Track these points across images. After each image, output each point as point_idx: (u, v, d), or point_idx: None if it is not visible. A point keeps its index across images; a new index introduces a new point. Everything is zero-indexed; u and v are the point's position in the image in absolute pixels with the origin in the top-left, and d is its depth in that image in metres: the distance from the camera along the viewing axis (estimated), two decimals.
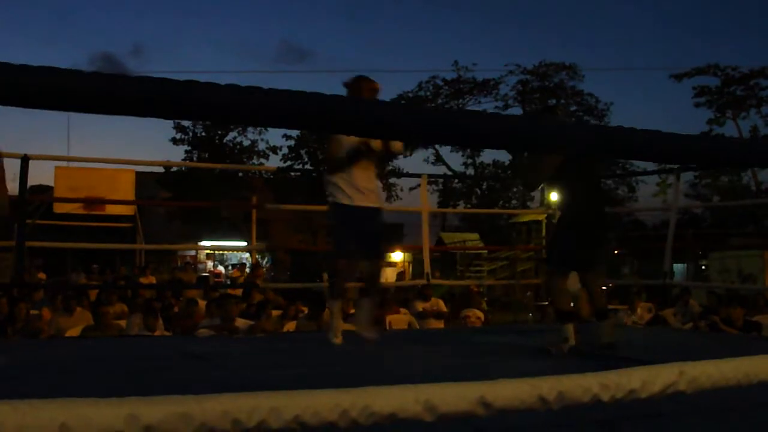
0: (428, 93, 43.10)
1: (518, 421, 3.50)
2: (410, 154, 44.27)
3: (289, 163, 40.42)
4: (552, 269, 6.63)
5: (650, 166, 16.18)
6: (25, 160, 8.36)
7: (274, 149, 40.81)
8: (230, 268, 33.98)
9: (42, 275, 20.21)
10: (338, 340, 6.45)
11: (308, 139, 39.28)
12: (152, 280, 17.02)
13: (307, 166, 40.42)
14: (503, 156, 44.38)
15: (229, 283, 21.46)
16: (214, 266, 37.10)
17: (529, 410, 1.43)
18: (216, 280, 27.15)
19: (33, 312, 11.00)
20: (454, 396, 1.36)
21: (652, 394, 1.55)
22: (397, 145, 6.77)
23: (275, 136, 44.16)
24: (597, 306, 6.52)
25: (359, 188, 6.61)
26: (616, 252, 35.25)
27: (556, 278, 6.47)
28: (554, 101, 41.28)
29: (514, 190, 43.52)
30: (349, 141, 6.45)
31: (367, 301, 6.68)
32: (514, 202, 43.60)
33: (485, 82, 42.92)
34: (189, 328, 9.62)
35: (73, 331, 9.26)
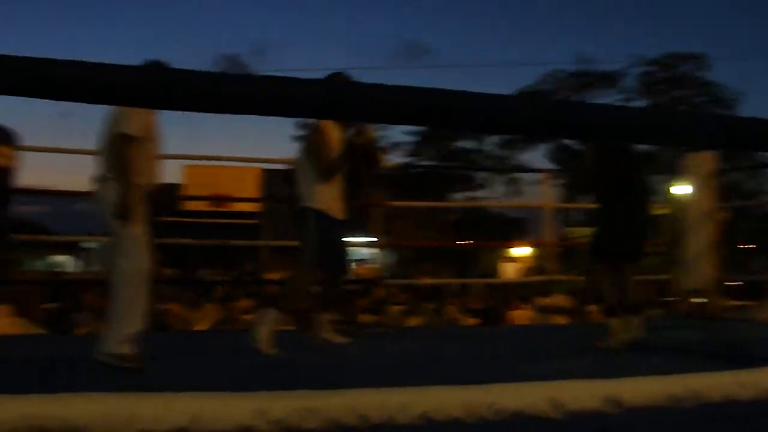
0: (549, 86, 42.56)
1: (643, 419, 3.43)
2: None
3: (412, 159, 40.52)
4: (596, 261, 6.54)
5: None
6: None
7: (397, 145, 40.98)
8: (353, 263, 34.26)
9: (172, 271, 20.75)
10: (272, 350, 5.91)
11: (431, 135, 39.27)
12: (278, 276, 17.27)
13: (429, 162, 40.41)
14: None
15: (353, 278, 21.63)
16: None
17: (659, 408, 1.40)
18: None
19: (163, 307, 11.30)
20: (582, 393, 1.34)
21: None
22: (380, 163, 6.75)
23: (399, 132, 44.36)
24: (630, 299, 6.40)
25: (336, 197, 6.46)
26: (745, 247, 34.18)
27: (604, 271, 6.42)
28: (679, 92, 40.32)
29: None
30: (334, 139, 6.44)
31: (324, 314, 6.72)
32: None
33: (608, 75, 42.14)
34: (313, 322, 9.73)
35: (201, 326, 9.47)
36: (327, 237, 6.28)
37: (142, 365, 4.90)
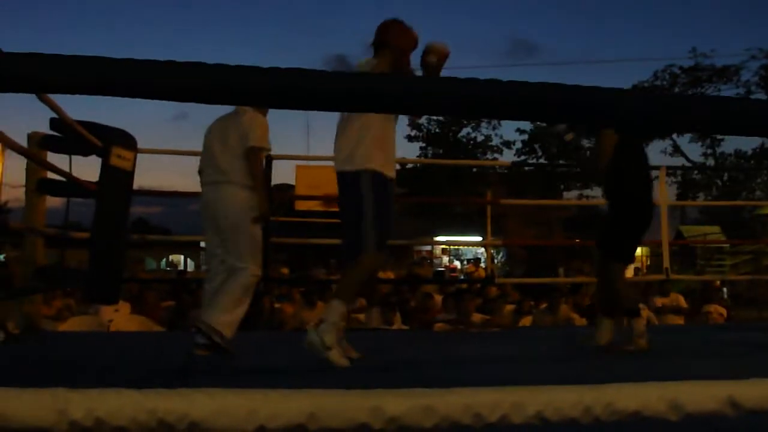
0: (664, 82, 41.81)
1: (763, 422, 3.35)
2: None
3: (523, 157, 40.31)
4: (614, 260, 6.10)
5: None
6: (268, 160, 8.72)
7: (508, 144, 40.82)
8: (465, 263, 34.17)
9: (285, 270, 21.03)
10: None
11: (542, 132, 39.01)
12: (390, 275, 17.35)
13: (541, 160, 40.16)
14: (745, 145, 42.53)
15: (464, 277, 21.62)
16: (450, 261, 37.40)
17: None
18: (451, 274, 27.42)
19: (277, 305, 11.47)
20: (701, 395, 1.31)
21: None
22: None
23: (509, 130, 44.15)
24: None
25: (391, 153, 5.47)
26: None
27: (620, 270, 6.14)
28: None
29: (758, 180, 41.60)
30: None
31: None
32: (758, 193, 41.64)
33: (725, 69, 41.15)
34: (426, 322, 9.76)
35: (316, 324, 9.57)
36: (385, 207, 5.25)
37: (233, 351, 5.29)
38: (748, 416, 1.36)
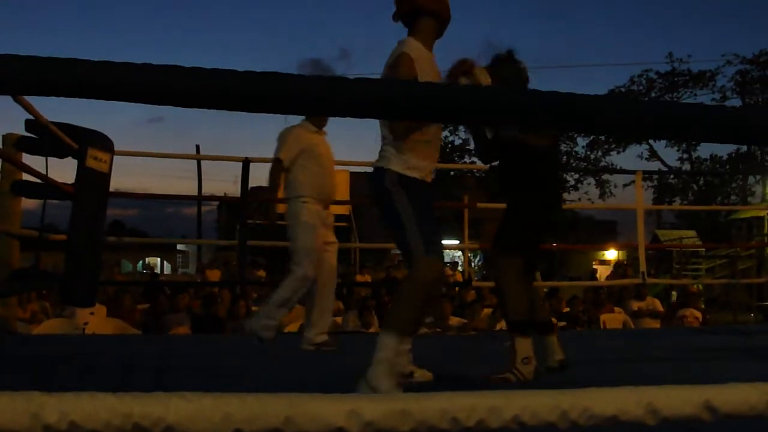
0: (641, 87, 42.02)
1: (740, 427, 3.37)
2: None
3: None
4: (504, 253, 5.12)
5: None
6: (246, 163, 8.70)
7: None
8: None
9: (262, 273, 20.98)
10: None
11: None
12: (368, 278, 17.34)
13: None
14: (721, 150, 42.79)
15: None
16: None
17: (758, 417, 1.37)
18: None
19: (254, 308, 11.44)
20: (678, 399, 1.32)
21: None
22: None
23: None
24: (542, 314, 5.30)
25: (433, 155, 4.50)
26: None
27: (510, 268, 5.09)
28: None
29: (733, 185, 41.87)
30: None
31: None
32: (733, 197, 41.92)
33: (701, 74, 41.41)
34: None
35: (291, 327, 9.55)
36: (426, 210, 4.24)
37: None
38: (725, 420, 1.37)
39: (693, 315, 12.14)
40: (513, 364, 4.84)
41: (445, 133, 40.59)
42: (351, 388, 3.74)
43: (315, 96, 1.33)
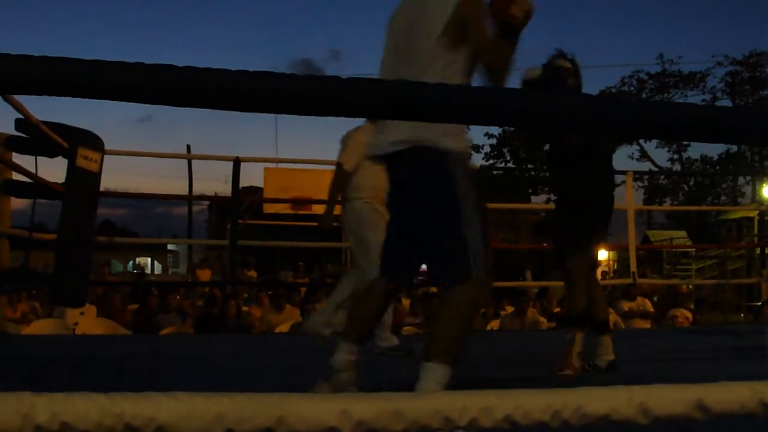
0: (632, 88, 42.03)
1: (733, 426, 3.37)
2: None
3: (491, 161, 40.40)
4: (571, 252, 5.26)
5: None
6: (236, 162, 8.69)
7: (476, 148, 40.91)
8: None
9: (253, 273, 20.99)
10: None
11: (510, 137, 39.17)
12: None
13: (510, 164, 40.30)
14: (711, 150, 42.88)
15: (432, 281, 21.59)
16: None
17: (749, 415, 1.37)
18: (419, 278, 27.43)
19: (245, 308, 11.44)
20: (670, 399, 1.32)
21: None
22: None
23: (477, 134, 44.27)
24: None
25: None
26: None
27: (578, 265, 5.24)
28: (765, 93, 39.50)
29: (723, 185, 41.97)
30: None
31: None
32: (723, 198, 42.01)
33: (691, 75, 41.43)
34: (394, 326, 9.76)
35: (283, 328, 9.55)
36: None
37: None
38: (717, 420, 1.37)
39: (683, 315, 12.16)
40: (569, 358, 5.00)
41: None
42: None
43: (307, 95, 1.33)
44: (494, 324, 10.51)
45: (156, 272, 50.95)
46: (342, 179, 6.33)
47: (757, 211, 10.89)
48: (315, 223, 6.68)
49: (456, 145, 3.33)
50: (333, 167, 6.58)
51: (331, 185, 6.54)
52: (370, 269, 6.04)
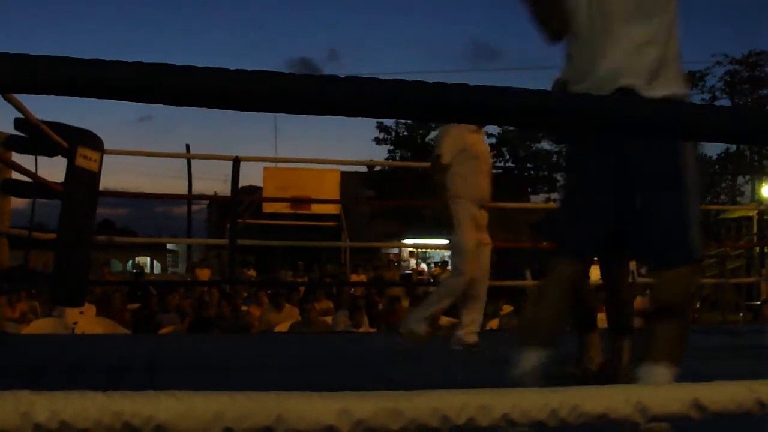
0: None
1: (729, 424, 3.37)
2: None
3: (491, 161, 40.39)
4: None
5: None
6: (236, 161, 8.68)
7: None
8: (433, 265, 34.19)
9: (252, 272, 20.99)
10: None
11: (508, 136, 39.17)
12: (362, 277, 17.34)
13: (509, 164, 40.31)
14: (710, 150, 42.88)
15: (431, 280, 21.63)
16: (417, 264, 37.41)
17: (745, 415, 1.38)
18: (419, 277, 27.43)
19: (244, 308, 11.44)
20: (667, 398, 1.32)
21: None
22: None
23: None
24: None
25: None
26: None
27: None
28: (765, 91, 39.53)
29: (723, 185, 41.98)
30: None
31: None
32: (722, 197, 42.03)
33: (691, 75, 41.37)
34: (393, 325, 9.75)
35: (282, 327, 9.55)
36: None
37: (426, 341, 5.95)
38: (714, 418, 1.37)
39: None
40: (620, 363, 4.82)
41: (436, 132, 40.63)
42: (340, 387, 3.74)
43: (306, 94, 1.33)
44: (494, 323, 10.50)
45: (155, 272, 50.94)
46: (440, 171, 6.27)
47: (756, 211, 10.87)
48: (314, 222, 6.62)
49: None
50: (332, 167, 6.56)
51: (435, 180, 6.39)
52: (458, 269, 6.22)
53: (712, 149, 42.36)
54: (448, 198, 6.27)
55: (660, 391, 1.33)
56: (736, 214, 30.32)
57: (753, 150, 40.18)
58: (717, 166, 41.85)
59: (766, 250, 10.82)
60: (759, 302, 13.63)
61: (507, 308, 11.43)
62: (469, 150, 6.31)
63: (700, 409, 1.33)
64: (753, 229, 26.83)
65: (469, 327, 6.33)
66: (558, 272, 3.08)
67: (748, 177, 38.19)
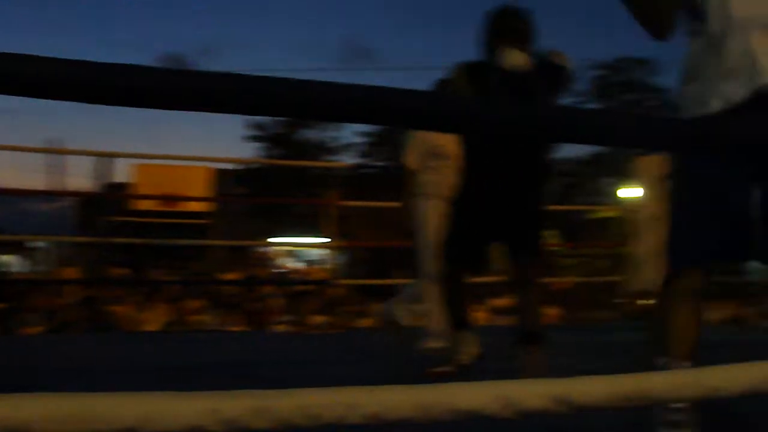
0: None
1: (596, 420, 3.47)
2: None
3: (365, 159, 40.54)
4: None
5: None
6: (104, 158, 8.52)
7: (350, 146, 41.05)
8: (306, 264, 34.15)
9: (122, 270, 20.61)
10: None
11: (384, 135, 39.42)
12: (235, 276, 17.22)
13: (383, 163, 40.51)
14: (580, 151, 43.95)
15: (304, 279, 21.61)
16: (291, 263, 37.33)
17: (608, 409, 1.41)
18: (291, 276, 27.38)
19: (114, 307, 11.23)
20: (533, 393, 1.35)
21: (736, 392, 1.52)
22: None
23: (351, 132, 44.36)
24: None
25: None
26: None
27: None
28: (632, 97, 40.86)
29: (592, 185, 43.11)
30: None
31: None
32: (592, 198, 43.13)
33: None
34: (265, 323, 9.72)
35: (153, 326, 9.42)
36: None
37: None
38: (580, 413, 1.40)
39: (552, 312, 12.43)
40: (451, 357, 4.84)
41: (311, 130, 40.59)
42: (208, 386, 3.71)
43: (174, 89, 1.30)
44: (365, 321, 10.57)
45: (20, 270, 49.46)
46: (409, 178, 6.17)
47: (617, 212, 11.18)
48: (186, 220, 6.48)
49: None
50: (206, 164, 6.45)
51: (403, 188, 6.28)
52: (424, 269, 6.02)
53: (583, 150, 43.45)
54: (418, 197, 6.15)
55: (528, 386, 1.35)
56: (601, 215, 31.16)
57: (620, 153, 41.38)
58: (589, 166, 42.94)
59: (622, 250, 11.13)
60: (622, 300, 14.04)
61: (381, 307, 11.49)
62: (438, 150, 6.13)
63: (565, 403, 1.35)
64: (617, 228, 27.62)
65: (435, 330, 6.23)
66: (681, 288, 2.96)
67: (612, 179, 39.32)
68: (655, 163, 9.18)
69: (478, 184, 4.65)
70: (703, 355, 2.47)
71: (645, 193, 9.33)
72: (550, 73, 4.52)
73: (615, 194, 23.46)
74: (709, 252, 2.92)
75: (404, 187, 6.20)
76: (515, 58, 4.30)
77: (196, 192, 15.23)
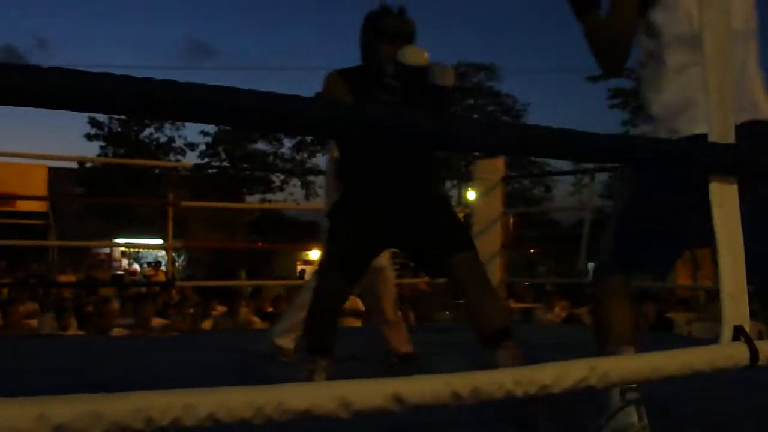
0: None
1: (437, 417, 3.54)
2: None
3: (206, 160, 40.10)
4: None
5: (566, 165, 16.39)
6: None
7: (192, 146, 40.51)
8: (145, 266, 33.54)
9: None
10: None
11: (225, 136, 39.08)
12: (72, 278, 16.72)
13: (224, 163, 40.14)
14: None
15: (143, 281, 21.20)
16: (129, 264, 36.61)
17: (443, 406, 1.45)
18: (131, 278, 26.83)
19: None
20: (368, 392, 1.37)
21: (564, 388, 1.57)
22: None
23: (192, 132, 43.76)
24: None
25: None
26: (532, 251, 35.65)
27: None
28: (472, 101, 41.72)
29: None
30: None
31: None
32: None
33: None
34: (103, 327, 9.48)
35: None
36: None
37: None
38: (414, 411, 1.43)
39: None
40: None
41: (150, 129, 39.90)
42: (40, 392, 3.61)
43: (9, 86, 1.27)
44: (207, 324, 10.44)
45: None
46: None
47: (463, 213, 11.37)
48: (20, 221, 6.22)
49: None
50: (41, 162, 6.22)
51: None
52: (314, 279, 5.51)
53: None
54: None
55: (362, 386, 1.37)
56: None
57: (460, 156, 42.15)
58: None
59: None
60: (462, 301, 14.32)
61: (220, 309, 11.37)
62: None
63: (400, 402, 1.38)
64: None
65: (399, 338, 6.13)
66: (617, 281, 3.14)
67: (456, 181, 40.03)
68: (492, 166, 9.40)
69: (357, 192, 4.27)
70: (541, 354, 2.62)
71: (483, 196, 9.51)
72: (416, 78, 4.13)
73: (458, 197, 23.82)
74: (645, 265, 3.18)
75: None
76: (414, 55, 4.03)
77: (30, 191, 14.74)
